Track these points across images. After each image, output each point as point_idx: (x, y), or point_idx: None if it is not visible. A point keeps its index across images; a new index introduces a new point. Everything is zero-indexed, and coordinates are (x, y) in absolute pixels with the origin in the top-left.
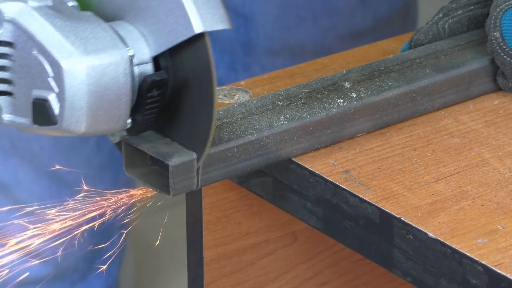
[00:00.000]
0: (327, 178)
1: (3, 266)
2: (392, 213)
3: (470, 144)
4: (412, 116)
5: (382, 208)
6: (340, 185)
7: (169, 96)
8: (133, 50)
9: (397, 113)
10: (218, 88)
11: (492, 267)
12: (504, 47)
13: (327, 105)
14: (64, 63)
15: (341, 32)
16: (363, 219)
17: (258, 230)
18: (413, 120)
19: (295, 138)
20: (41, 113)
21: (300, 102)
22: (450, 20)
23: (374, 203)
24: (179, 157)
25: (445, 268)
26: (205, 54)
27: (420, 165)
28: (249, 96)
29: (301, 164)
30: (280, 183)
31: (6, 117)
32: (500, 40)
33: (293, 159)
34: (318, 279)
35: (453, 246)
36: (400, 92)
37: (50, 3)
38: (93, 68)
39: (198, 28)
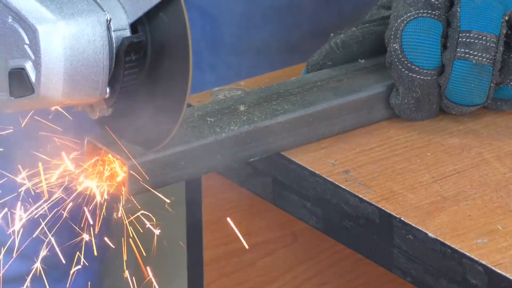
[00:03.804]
0: (327, 178)
1: None
2: (392, 213)
3: (470, 144)
4: (309, 141)
5: (382, 208)
6: (340, 185)
7: (148, 64)
8: (110, 15)
9: (292, 137)
10: (218, 88)
11: (492, 267)
12: (402, 59)
13: (218, 129)
14: (39, 28)
15: (306, 29)
16: (363, 219)
17: (258, 230)
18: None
19: (182, 163)
20: (18, 83)
21: (190, 125)
22: (342, 36)
23: (374, 203)
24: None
25: (445, 268)
26: (180, 16)
27: (420, 165)
28: None
29: (301, 164)
30: (280, 183)
31: None
32: (399, 52)
33: (293, 159)
34: (318, 279)
35: (453, 246)
36: (295, 116)
37: None
38: (69, 32)
39: None
